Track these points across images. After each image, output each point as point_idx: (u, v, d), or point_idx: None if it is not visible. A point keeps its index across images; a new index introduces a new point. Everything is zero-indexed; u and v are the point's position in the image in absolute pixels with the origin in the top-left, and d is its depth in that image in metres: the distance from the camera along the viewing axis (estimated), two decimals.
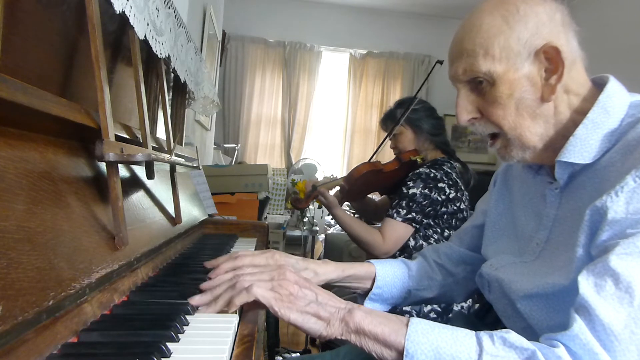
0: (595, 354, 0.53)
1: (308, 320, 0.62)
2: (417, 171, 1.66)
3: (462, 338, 0.58)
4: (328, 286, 0.87)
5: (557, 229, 0.73)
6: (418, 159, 1.73)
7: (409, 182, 1.64)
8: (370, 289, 0.95)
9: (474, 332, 0.59)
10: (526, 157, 0.73)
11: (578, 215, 0.68)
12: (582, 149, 0.67)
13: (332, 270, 0.89)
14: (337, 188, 1.84)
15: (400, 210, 1.61)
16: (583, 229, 0.63)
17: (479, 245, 0.97)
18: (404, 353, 0.58)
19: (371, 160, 1.81)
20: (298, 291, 0.64)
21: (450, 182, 1.64)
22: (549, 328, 0.68)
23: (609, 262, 0.56)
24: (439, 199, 1.61)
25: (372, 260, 0.97)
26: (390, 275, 0.96)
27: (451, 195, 1.63)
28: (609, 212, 0.59)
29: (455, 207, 1.64)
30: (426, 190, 1.60)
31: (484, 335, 0.58)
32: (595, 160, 0.68)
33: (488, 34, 0.70)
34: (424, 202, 1.60)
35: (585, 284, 0.56)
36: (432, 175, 1.63)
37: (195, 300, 0.67)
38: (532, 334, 0.72)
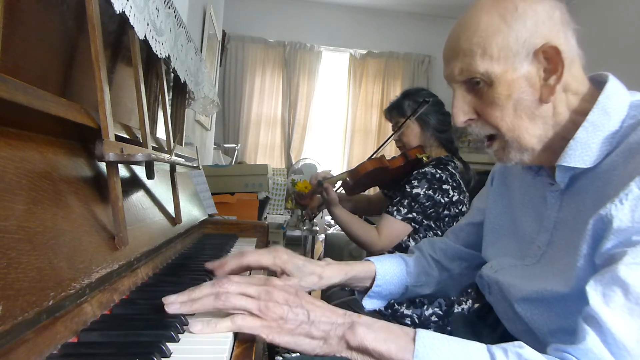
0: None
1: (300, 342, 0.58)
2: (423, 170, 1.61)
3: (474, 353, 0.55)
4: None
5: (559, 232, 0.72)
6: (424, 157, 1.68)
7: (413, 181, 1.60)
8: (370, 287, 0.95)
9: (485, 345, 0.56)
10: (524, 159, 0.72)
11: (580, 219, 0.67)
12: (583, 152, 0.66)
13: (336, 274, 0.89)
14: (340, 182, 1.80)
15: (401, 208, 1.58)
16: (585, 239, 0.61)
17: (474, 242, 0.97)
18: None
19: (377, 157, 1.77)
20: (288, 312, 0.58)
21: (455, 184, 1.61)
22: (550, 332, 0.67)
23: (618, 272, 0.54)
24: (442, 201, 1.58)
25: (371, 259, 0.98)
26: (389, 273, 0.97)
27: (454, 198, 1.60)
28: (614, 221, 0.57)
29: (457, 210, 1.62)
30: (430, 192, 1.57)
31: (497, 350, 0.55)
32: (597, 164, 0.66)
33: (486, 32, 0.68)
34: (427, 203, 1.57)
35: (594, 294, 0.55)
36: (437, 176, 1.59)
37: (169, 299, 0.60)
38: (533, 338, 0.71)
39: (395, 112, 1.76)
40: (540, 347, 0.70)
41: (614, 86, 0.68)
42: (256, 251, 0.83)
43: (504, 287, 0.75)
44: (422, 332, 0.58)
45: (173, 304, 0.60)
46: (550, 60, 0.67)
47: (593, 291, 0.55)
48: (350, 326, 0.58)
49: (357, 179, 1.74)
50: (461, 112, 0.73)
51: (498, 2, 0.69)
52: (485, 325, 0.88)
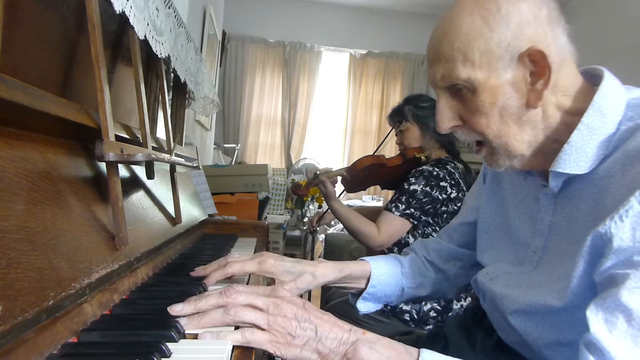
0: None
1: (306, 357, 0.57)
2: (420, 168, 1.67)
3: None
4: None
5: (554, 237, 0.69)
6: (422, 157, 1.74)
7: (410, 178, 1.65)
8: (365, 288, 0.93)
9: None
10: (514, 165, 0.69)
11: (575, 225, 0.65)
12: (578, 158, 0.62)
13: (330, 272, 0.87)
14: (339, 178, 1.85)
15: (399, 205, 1.62)
16: (582, 255, 0.58)
17: (468, 241, 0.95)
18: None
19: (375, 154, 1.83)
20: (296, 328, 0.57)
21: (453, 182, 1.64)
22: (545, 345, 0.65)
23: (620, 296, 0.51)
24: (440, 197, 1.62)
25: (366, 258, 0.96)
26: (384, 273, 0.94)
27: (452, 195, 1.63)
28: (614, 240, 0.54)
29: (455, 207, 1.64)
30: (427, 188, 1.61)
31: None
32: (592, 169, 0.63)
33: (467, 37, 0.63)
34: (424, 200, 1.61)
35: (595, 320, 0.52)
36: (434, 173, 1.63)
37: (175, 309, 0.61)
38: (528, 349, 0.70)
39: (397, 117, 1.84)
40: (535, 358, 0.69)
41: (609, 84, 0.64)
42: (240, 258, 0.79)
43: (497, 298, 0.73)
44: (426, 353, 0.57)
45: (181, 319, 0.60)
46: (536, 63, 0.63)
47: (594, 317, 0.52)
48: (352, 345, 0.57)
49: (354, 174, 1.78)
50: (445, 119, 0.70)
51: (481, 3, 0.64)
52: (481, 329, 0.86)
